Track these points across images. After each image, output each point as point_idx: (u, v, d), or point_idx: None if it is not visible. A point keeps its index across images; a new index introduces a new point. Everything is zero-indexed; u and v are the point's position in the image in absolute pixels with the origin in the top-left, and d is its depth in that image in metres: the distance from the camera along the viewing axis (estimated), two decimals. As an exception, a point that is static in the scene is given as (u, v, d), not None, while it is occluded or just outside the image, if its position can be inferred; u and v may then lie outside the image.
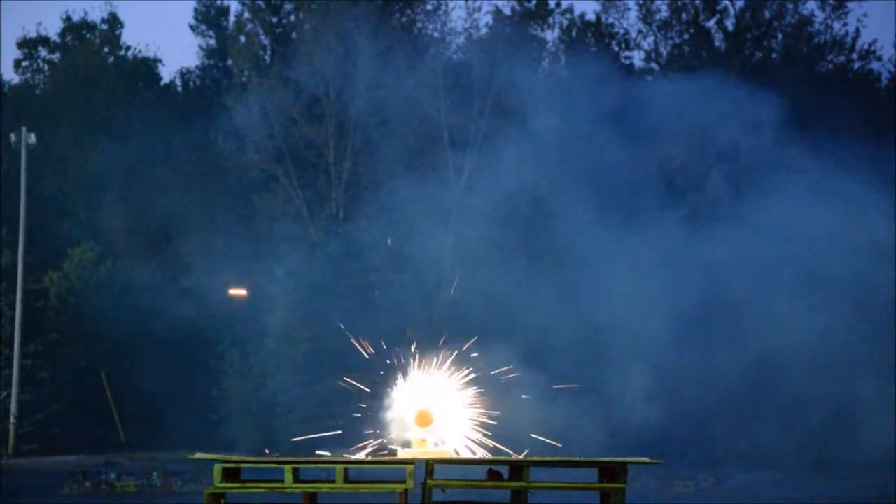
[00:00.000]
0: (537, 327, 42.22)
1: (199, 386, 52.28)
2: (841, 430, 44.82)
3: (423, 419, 12.58)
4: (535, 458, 11.99)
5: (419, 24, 56.73)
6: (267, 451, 16.10)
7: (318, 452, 12.94)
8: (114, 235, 55.58)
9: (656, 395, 41.29)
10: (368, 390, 13.27)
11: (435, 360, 12.93)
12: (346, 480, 11.91)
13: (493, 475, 11.99)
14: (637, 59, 57.94)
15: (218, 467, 11.77)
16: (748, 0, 55.74)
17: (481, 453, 12.91)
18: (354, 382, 13.59)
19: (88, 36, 61.09)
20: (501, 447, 12.85)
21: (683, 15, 56.36)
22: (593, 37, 57.46)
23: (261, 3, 57.53)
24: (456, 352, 13.09)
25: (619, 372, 42.23)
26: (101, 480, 43.40)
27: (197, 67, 63.64)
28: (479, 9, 56.21)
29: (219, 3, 61.66)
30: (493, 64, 54.06)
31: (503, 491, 12.11)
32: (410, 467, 11.67)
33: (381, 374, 13.04)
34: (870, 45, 56.46)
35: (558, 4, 56.63)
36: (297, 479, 11.81)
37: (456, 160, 54.15)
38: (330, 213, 54.84)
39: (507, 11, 55.65)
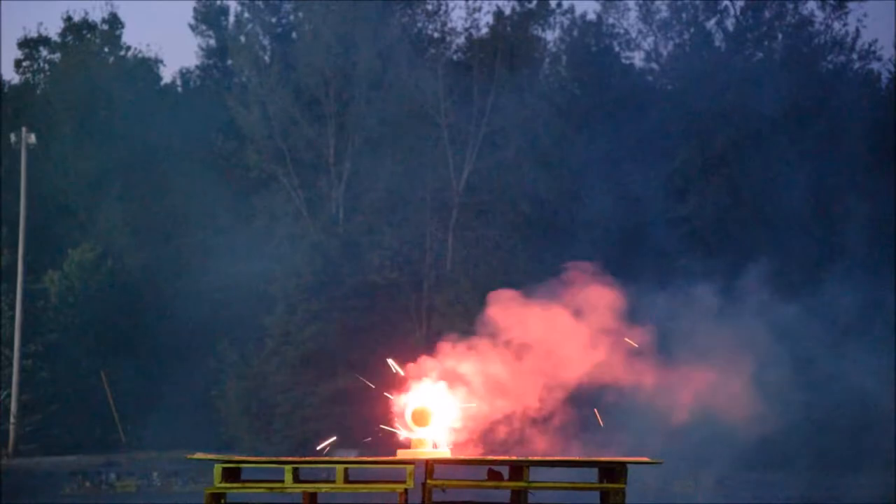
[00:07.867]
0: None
1: (199, 386, 52.18)
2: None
3: (420, 418, 12.51)
4: (535, 458, 11.97)
5: (419, 24, 56.68)
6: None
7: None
8: (114, 235, 55.52)
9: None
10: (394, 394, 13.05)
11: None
12: (346, 480, 11.90)
13: (493, 475, 11.97)
14: (637, 59, 57.92)
15: (218, 467, 11.75)
16: (748, 0, 55.71)
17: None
18: (394, 364, 13.29)
19: (89, 36, 61.00)
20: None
21: (683, 15, 56.31)
22: (594, 37, 57.36)
23: (261, 3, 57.49)
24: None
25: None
26: (101, 480, 43.43)
27: (197, 67, 63.59)
28: (480, 9, 56.17)
29: (219, 3, 61.58)
30: (494, 64, 54.03)
31: (503, 491, 12.09)
32: (410, 467, 11.66)
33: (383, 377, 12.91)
34: (870, 45, 56.45)
35: (559, 4, 56.56)
36: (297, 479, 11.80)
37: (456, 160, 54.11)
38: (330, 213, 54.78)
39: (508, 11, 55.63)
